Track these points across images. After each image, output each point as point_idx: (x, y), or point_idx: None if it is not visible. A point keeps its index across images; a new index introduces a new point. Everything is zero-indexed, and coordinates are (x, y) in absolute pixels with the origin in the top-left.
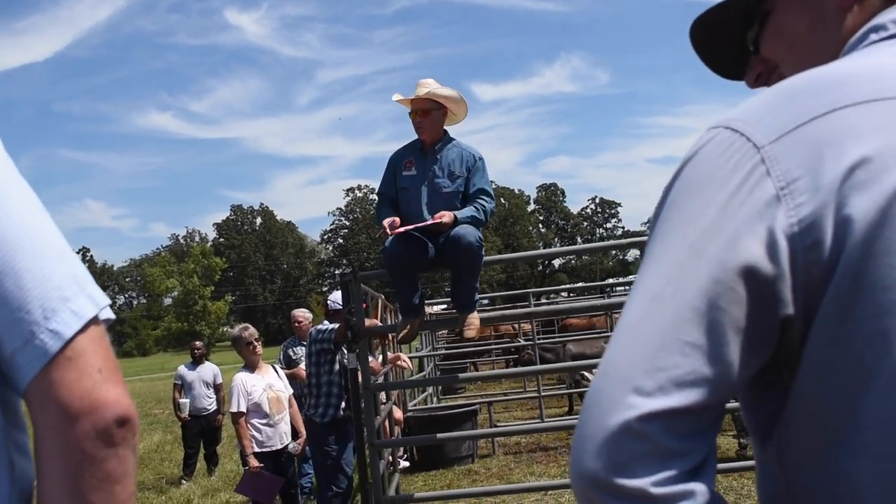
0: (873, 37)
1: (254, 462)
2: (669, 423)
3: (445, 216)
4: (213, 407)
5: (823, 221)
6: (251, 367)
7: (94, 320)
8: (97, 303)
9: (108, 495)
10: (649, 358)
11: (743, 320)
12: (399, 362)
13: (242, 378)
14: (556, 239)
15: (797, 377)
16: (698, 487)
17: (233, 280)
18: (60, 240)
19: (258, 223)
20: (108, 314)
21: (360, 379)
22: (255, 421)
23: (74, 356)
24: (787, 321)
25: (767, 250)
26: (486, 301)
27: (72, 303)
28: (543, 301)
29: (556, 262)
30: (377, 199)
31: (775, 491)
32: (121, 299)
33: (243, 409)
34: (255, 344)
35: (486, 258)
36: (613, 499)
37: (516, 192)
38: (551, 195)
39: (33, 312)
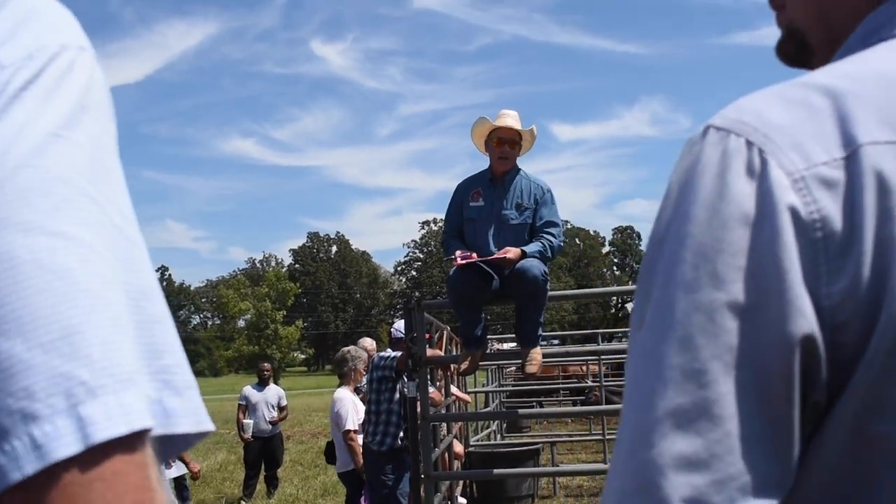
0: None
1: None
2: None
3: (511, 252)
4: (277, 429)
5: (859, 296)
6: (353, 387)
7: (105, 452)
8: (110, 423)
9: None
10: (714, 464)
11: (799, 404)
12: (457, 394)
13: (351, 397)
14: (630, 282)
15: (802, 474)
16: None
17: (306, 306)
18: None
19: (333, 251)
20: (188, 426)
21: (418, 408)
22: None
23: None
24: (815, 408)
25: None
26: (556, 341)
27: (40, 423)
28: (615, 343)
29: (630, 306)
30: (444, 229)
31: None
32: (196, 319)
33: (356, 426)
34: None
35: (555, 293)
36: None
37: (591, 233)
38: (627, 238)
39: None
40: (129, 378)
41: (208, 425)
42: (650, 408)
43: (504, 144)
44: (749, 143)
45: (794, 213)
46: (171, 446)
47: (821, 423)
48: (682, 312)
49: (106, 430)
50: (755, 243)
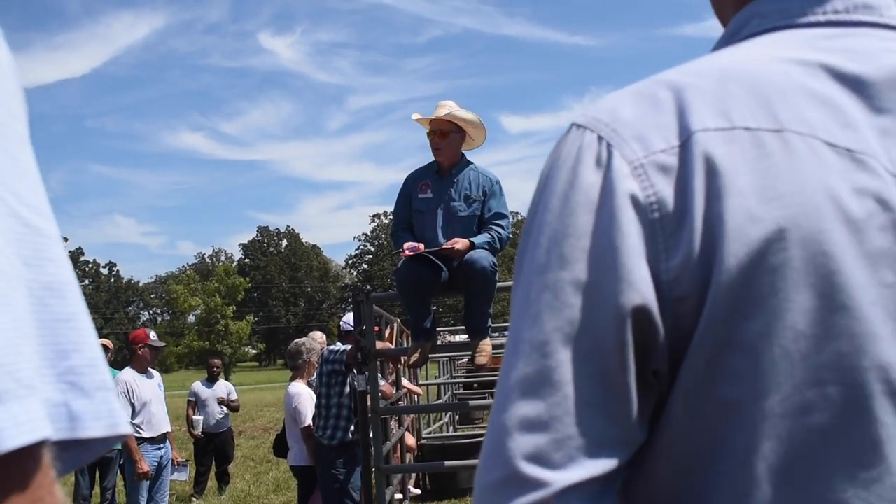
0: (756, 24)
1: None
2: (587, 492)
3: (459, 242)
4: (227, 425)
5: (693, 270)
6: (306, 381)
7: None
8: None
9: None
10: (554, 425)
11: (634, 370)
12: (408, 387)
13: (308, 392)
14: None
15: (656, 439)
16: None
17: (256, 301)
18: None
19: (284, 245)
20: (89, 430)
21: (368, 402)
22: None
23: None
24: (658, 374)
25: (652, 289)
26: (508, 333)
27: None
28: None
29: None
30: (393, 221)
31: None
32: (145, 315)
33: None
34: None
35: (506, 284)
36: None
37: None
38: None
39: None
40: (33, 383)
41: (124, 428)
42: (506, 379)
43: (434, 136)
44: (600, 138)
45: (633, 198)
46: (84, 450)
47: (669, 390)
48: (535, 292)
49: (13, 438)
50: (595, 226)
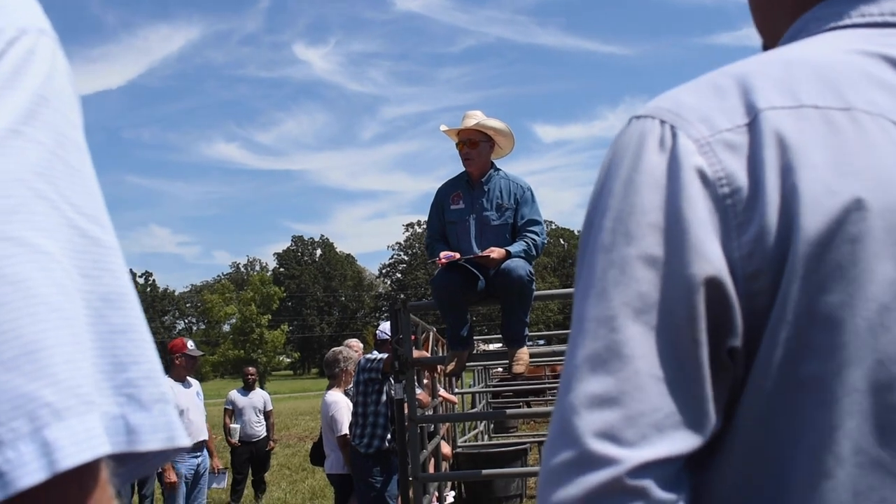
0: (813, 28)
1: None
2: (662, 472)
3: (495, 251)
4: (263, 433)
5: (767, 245)
6: (343, 389)
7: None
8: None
9: None
10: (624, 400)
11: (708, 346)
12: (444, 395)
13: (345, 401)
14: None
15: (731, 430)
16: None
17: (291, 310)
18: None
19: (318, 255)
20: (145, 443)
21: (405, 410)
22: None
23: None
24: (733, 354)
25: (724, 262)
26: (542, 342)
27: (2, 449)
28: None
29: None
30: (427, 233)
31: None
32: (181, 324)
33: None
34: None
35: (540, 293)
36: None
37: (576, 233)
38: None
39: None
40: (92, 398)
41: (182, 440)
42: (572, 358)
43: (464, 146)
44: (662, 122)
45: (701, 173)
46: (142, 463)
47: (746, 373)
48: (600, 271)
49: (72, 455)
50: (662, 201)
